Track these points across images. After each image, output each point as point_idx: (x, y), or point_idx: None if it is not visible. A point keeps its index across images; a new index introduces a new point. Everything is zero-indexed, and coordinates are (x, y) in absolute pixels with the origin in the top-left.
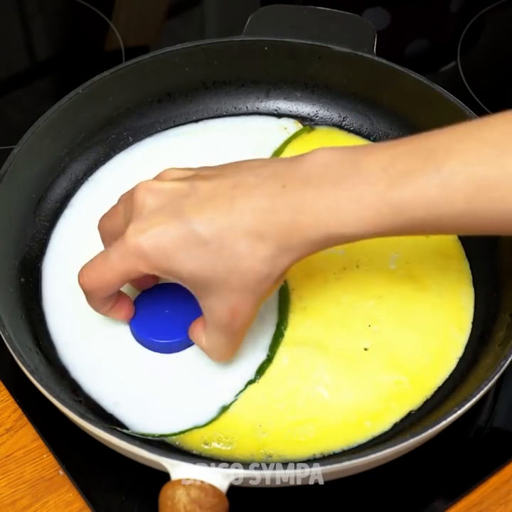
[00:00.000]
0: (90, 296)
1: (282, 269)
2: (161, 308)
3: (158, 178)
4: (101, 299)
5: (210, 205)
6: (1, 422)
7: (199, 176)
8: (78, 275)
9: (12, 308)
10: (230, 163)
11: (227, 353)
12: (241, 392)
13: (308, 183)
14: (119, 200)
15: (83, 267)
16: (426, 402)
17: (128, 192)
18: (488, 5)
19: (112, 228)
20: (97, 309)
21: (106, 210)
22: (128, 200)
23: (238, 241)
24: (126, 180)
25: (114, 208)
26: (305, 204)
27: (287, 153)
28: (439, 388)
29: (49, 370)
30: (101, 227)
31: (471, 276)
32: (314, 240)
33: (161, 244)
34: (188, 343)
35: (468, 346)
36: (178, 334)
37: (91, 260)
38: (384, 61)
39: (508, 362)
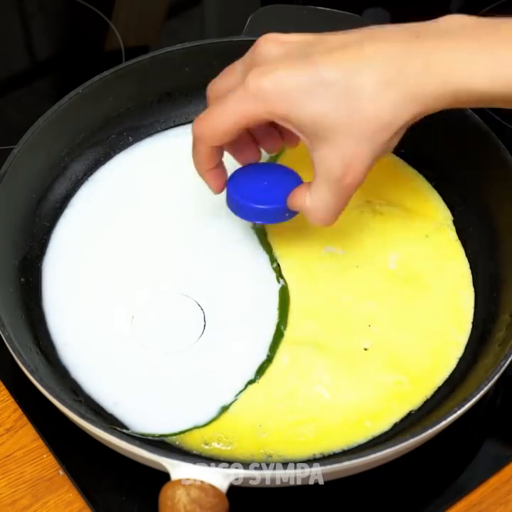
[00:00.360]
0: (200, 143)
1: (404, 121)
2: (258, 181)
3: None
4: (209, 149)
5: (339, 52)
6: (1, 422)
7: (323, 34)
8: (193, 123)
9: (12, 308)
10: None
11: (331, 213)
12: (241, 392)
13: (443, 36)
14: (236, 62)
15: (199, 115)
16: (426, 402)
17: (248, 52)
18: (488, 5)
19: (226, 86)
20: (199, 164)
21: (106, 210)
22: (248, 56)
23: (365, 84)
24: (126, 180)
25: (229, 67)
26: (438, 54)
27: (287, 153)
28: (439, 388)
29: (49, 370)
30: (211, 88)
31: (471, 277)
32: (442, 93)
33: (284, 86)
34: (282, 214)
35: (468, 346)
36: (276, 202)
37: (207, 109)
38: None
39: (508, 362)
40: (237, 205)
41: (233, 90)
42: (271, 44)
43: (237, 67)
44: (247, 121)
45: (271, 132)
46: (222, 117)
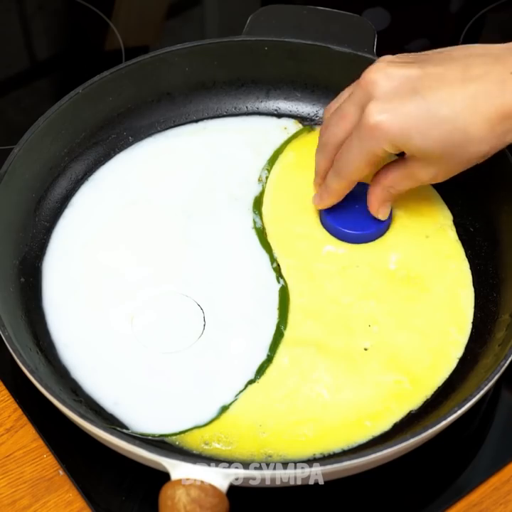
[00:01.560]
0: (343, 179)
1: (497, 150)
2: (351, 204)
3: (377, 64)
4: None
5: (445, 89)
6: (1, 422)
7: (423, 61)
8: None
9: (12, 308)
10: (445, 50)
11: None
12: (241, 392)
13: None
14: (342, 93)
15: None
16: (426, 402)
17: (353, 84)
18: (488, 5)
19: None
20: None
21: (106, 210)
22: (357, 87)
23: (471, 124)
24: (126, 180)
25: (339, 97)
26: None
27: (287, 153)
28: (439, 388)
29: (49, 370)
30: (328, 110)
31: (470, 277)
32: None
33: (401, 123)
34: (371, 237)
35: (468, 346)
36: (367, 227)
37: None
38: None
39: (508, 362)
40: (331, 227)
41: (355, 127)
42: (379, 76)
43: (347, 102)
44: (373, 158)
45: None
46: (353, 160)
